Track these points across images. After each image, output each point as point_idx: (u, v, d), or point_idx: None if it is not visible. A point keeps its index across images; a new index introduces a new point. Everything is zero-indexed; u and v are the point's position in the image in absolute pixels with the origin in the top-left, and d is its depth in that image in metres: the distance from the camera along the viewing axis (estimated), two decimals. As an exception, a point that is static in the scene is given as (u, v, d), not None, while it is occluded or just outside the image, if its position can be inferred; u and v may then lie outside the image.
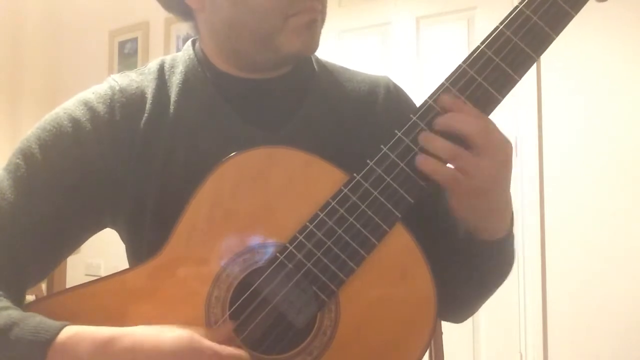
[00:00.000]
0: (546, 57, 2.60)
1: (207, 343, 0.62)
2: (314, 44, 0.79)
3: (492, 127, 0.69)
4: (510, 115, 2.47)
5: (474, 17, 2.61)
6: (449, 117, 0.69)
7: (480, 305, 0.86)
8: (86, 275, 3.29)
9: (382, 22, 2.85)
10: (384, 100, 0.88)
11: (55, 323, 0.64)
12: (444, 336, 1.34)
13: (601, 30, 2.32)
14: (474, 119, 0.68)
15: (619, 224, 2.26)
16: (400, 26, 2.80)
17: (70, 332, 0.62)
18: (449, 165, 0.69)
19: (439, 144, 0.68)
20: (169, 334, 0.62)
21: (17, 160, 0.76)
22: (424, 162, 0.69)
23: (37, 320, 0.64)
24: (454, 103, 0.69)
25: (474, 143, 0.67)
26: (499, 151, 0.68)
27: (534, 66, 2.39)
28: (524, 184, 2.45)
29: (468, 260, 0.77)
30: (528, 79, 2.44)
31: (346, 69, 0.92)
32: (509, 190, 0.73)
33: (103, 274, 1.10)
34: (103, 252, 2.40)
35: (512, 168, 0.71)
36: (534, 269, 2.42)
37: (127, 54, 3.52)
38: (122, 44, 3.55)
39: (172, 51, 3.33)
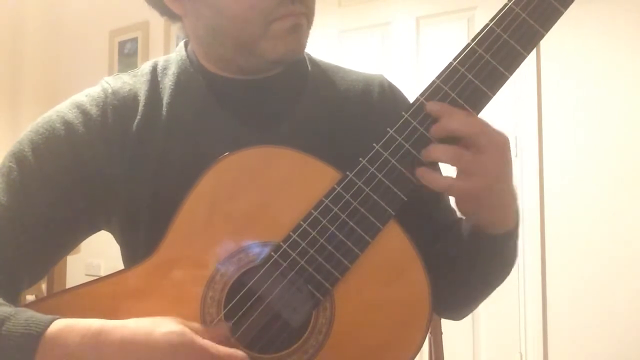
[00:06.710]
0: (546, 56, 2.59)
1: (200, 340, 0.61)
2: (299, 47, 0.79)
3: (485, 124, 0.69)
4: (510, 114, 2.47)
5: (474, 17, 2.60)
6: (443, 122, 0.69)
7: (479, 303, 0.86)
8: (86, 275, 3.30)
9: (382, 22, 2.85)
10: (379, 99, 0.88)
11: (45, 317, 0.64)
12: (444, 336, 1.34)
13: (601, 29, 2.32)
14: (467, 119, 0.69)
15: (620, 224, 2.26)
16: (400, 26, 2.80)
17: (60, 324, 0.63)
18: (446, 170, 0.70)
19: (440, 150, 0.69)
20: (160, 329, 0.62)
21: (10, 164, 0.76)
22: (423, 175, 0.70)
23: (28, 314, 0.64)
24: (442, 108, 0.70)
25: (472, 142, 0.68)
26: (497, 146, 0.69)
27: (534, 65, 2.41)
28: (523, 183, 2.45)
29: (472, 257, 0.78)
30: (528, 79, 2.44)
31: (340, 68, 0.91)
32: (512, 183, 0.74)
33: (103, 274, 1.10)
34: (103, 252, 2.40)
35: (512, 160, 0.72)
36: (534, 269, 2.41)
37: (127, 54, 3.52)
38: (122, 44, 3.55)
39: (172, 51, 3.32)
